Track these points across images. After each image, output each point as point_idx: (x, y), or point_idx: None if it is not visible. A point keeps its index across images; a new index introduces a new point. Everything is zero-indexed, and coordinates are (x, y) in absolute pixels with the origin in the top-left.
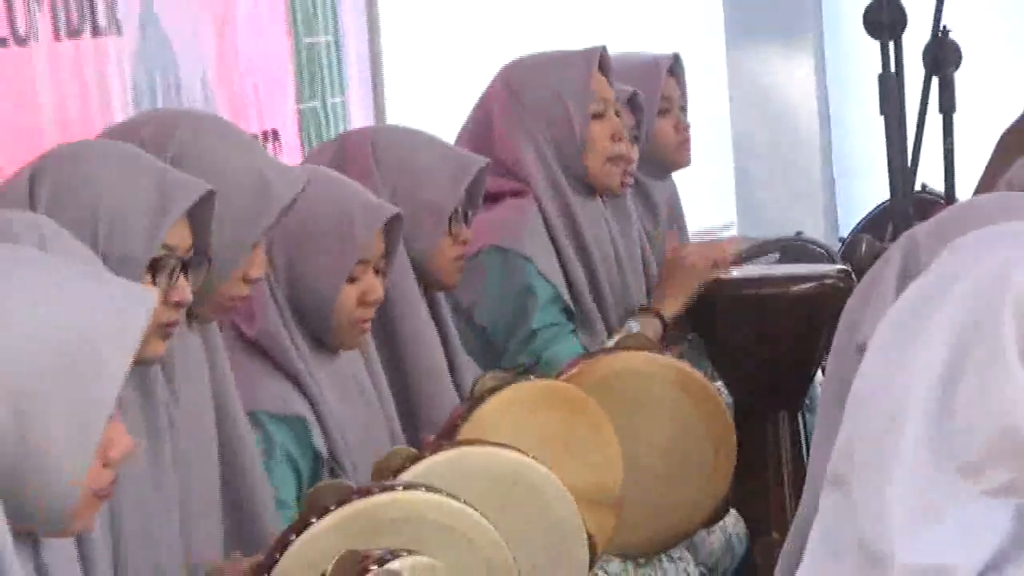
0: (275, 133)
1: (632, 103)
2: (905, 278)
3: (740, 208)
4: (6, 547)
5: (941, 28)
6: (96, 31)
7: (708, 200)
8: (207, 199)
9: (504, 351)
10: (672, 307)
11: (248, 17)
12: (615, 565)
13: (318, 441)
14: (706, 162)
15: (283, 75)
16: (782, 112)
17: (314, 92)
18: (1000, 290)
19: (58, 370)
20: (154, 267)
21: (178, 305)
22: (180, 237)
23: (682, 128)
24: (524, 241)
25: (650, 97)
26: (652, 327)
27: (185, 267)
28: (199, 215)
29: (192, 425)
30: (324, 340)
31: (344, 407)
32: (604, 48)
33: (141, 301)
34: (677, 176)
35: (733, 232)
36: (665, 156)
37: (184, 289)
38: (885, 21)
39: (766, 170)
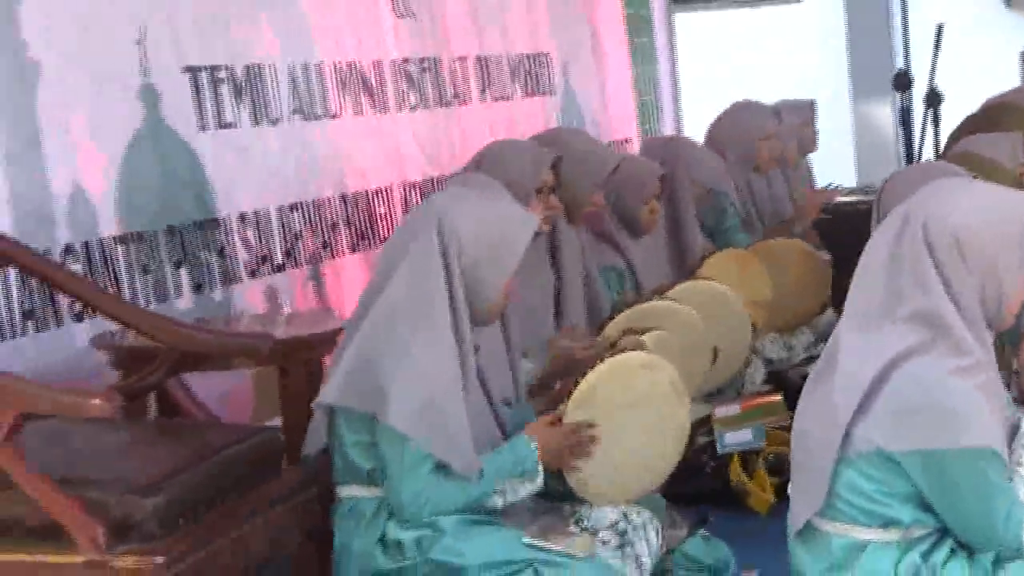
0: (627, 140)
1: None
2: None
3: None
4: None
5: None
6: (543, 93)
7: None
8: (558, 161)
9: None
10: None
11: (616, 85)
12: (771, 335)
13: (627, 280)
14: None
15: (630, 113)
16: None
17: (645, 121)
18: (943, 223)
19: (493, 246)
20: (538, 192)
21: (550, 209)
22: (548, 177)
23: None
24: None
25: None
26: None
27: (552, 191)
28: (558, 169)
29: (568, 270)
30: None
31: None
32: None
33: (531, 220)
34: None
35: None
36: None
37: (553, 200)
38: None
39: None
